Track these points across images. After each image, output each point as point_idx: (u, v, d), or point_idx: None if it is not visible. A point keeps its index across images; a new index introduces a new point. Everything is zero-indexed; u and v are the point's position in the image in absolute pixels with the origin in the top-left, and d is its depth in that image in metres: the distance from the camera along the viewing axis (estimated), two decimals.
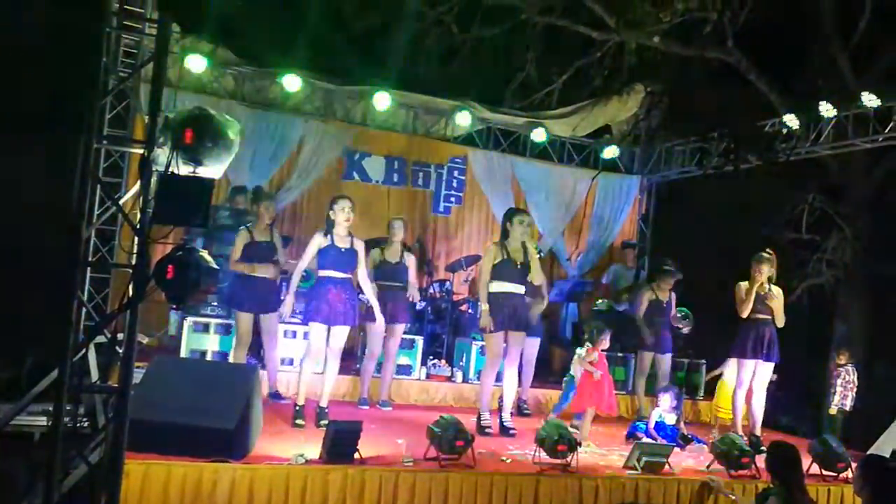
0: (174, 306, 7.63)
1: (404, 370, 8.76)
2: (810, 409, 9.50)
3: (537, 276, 7.26)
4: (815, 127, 9.24)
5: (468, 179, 10.93)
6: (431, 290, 9.54)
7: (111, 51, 5.43)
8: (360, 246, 6.82)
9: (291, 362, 8.05)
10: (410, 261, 7.91)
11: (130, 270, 4.59)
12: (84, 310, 5.36)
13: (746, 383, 7.57)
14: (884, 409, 7.79)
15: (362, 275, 6.95)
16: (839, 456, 6.53)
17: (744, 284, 7.46)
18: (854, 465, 6.51)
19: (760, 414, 7.55)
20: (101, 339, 5.61)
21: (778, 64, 10.76)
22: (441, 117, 10.58)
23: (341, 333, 6.68)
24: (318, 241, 6.70)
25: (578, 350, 7.56)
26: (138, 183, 4.75)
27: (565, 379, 7.69)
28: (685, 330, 8.90)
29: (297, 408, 6.62)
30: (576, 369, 7.51)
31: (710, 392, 9.18)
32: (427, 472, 5.41)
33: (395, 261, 7.80)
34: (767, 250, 7.62)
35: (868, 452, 7.24)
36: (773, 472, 4.33)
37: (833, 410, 8.74)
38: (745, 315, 7.38)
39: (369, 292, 7.14)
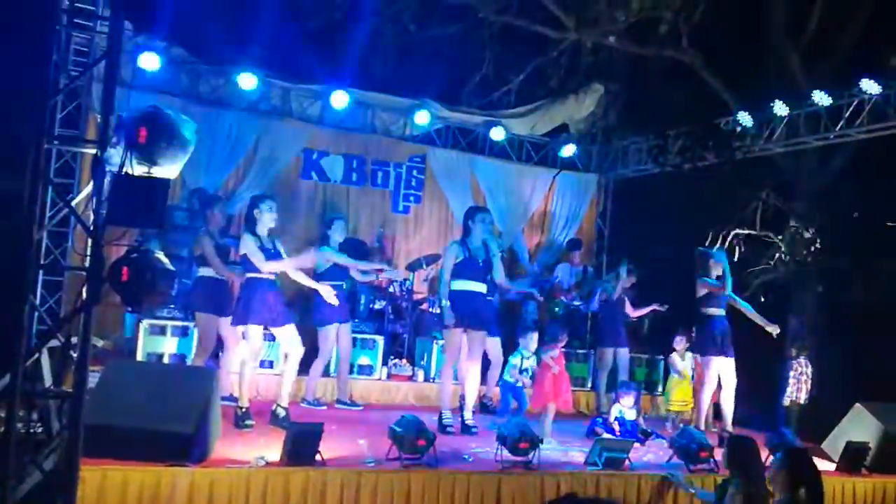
0: (130, 309, 7.53)
1: (365, 370, 8.74)
2: (766, 402, 9.63)
3: (499, 274, 7.28)
4: (768, 125, 9.39)
5: (427, 178, 10.91)
6: (392, 289, 9.50)
7: (62, 49, 5.32)
8: (279, 244, 6.85)
9: (272, 364, 7.93)
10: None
11: (84, 273, 4.50)
12: (36, 313, 5.24)
13: (714, 381, 7.68)
14: (837, 401, 7.94)
15: (289, 266, 6.90)
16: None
17: (706, 281, 7.62)
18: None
19: (731, 411, 7.67)
20: (54, 342, 5.49)
21: (732, 63, 10.89)
22: (399, 116, 10.55)
23: (292, 332, 6.66)
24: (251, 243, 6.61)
25: (511, 358, 7.75)
26: (91, 183, 4.66)
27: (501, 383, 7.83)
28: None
29: (243, 410, 6.56)
30: (513, 373, 7.68)
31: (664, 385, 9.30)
32: (389, 472, 5.40)
33: (340, 261, 7.79)
34: (720, 247, 7.80)
35: (823, 444, 7.41)
36: (733, 464, 4.38)
37: (787, 402, 8.89)
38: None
39: (307, 280, 7.17)
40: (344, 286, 7.97)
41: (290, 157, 10.00)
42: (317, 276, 7.62)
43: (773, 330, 7.67)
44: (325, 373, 8.24)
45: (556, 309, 9.83)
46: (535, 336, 7.71)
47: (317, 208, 10.15)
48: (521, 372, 7.72)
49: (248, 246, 6.56)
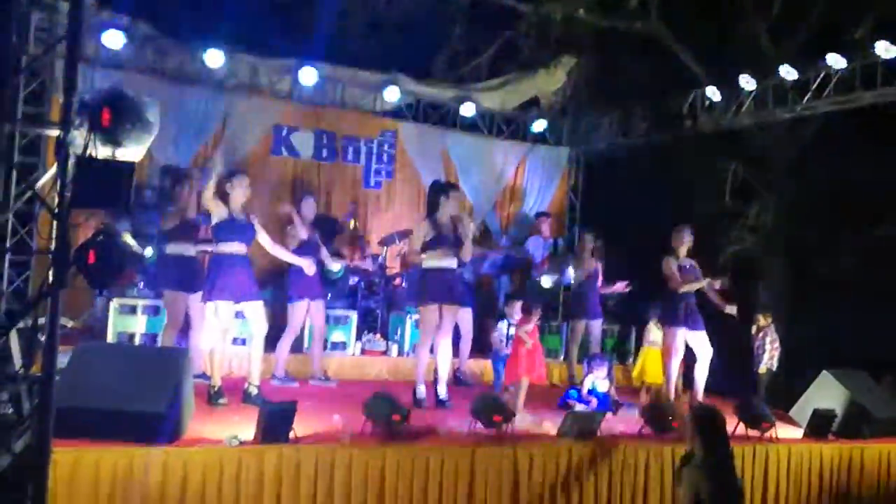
0: (97, 292, 7.48)
1: (339, 346, 8.76)
2: (735, 371, 9.78)
3: (467, 254, 7.30)
4: (736, 99, 9.44)
5: (398, 153, 10.87)
6: (365, 266, 9.50)
7: (23, 29, 5.22)
8: (254, 218, 6.82)
9: (244, 342, 7.92)
10: (318, 238, 7.98)
11: (50, 256, 4.46)
12: (3, 295, 5.20)
13: (680, 352, 7.75)
14: (805, 369, 8.08)
15: (267, 241, 6.94)
16: (764, 415, 6.78)
17: (671, 259, 7.64)
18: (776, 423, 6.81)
19: (703, 382, 7.76)
20: (23, 324, 5.45)
21: (701, 37, 10.93)
22: (369, 91, 10.47)
23: (259, 309, 6.66)
24: (219, 214, 6.59)
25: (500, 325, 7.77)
26: (56, 165, 4.60)
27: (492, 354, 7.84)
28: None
29: (216, 388, 6.56)
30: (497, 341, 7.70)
31: (637, 356, 9.39)
32: (363, 448, 5.43)
33: (312, 238, 7.80)
34: (688, 224, 7.84)
35: (790, 411, 7.55)
36: (698, 434, 4.43)
37: (763, 370, 9.01)
38: (681, 291, 7.55)
39: (286, 254, 7.26)
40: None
41: (260, 133, 9.91)
42: (291, 251, 7.66)
43: (731, 310, 7.76)
44: (298, 349, 8.26)
45: (546, 285, 9.79)
46: (519, 305, 7.74)
47: (287, 184, 10.09)
48: (507, 341, 7.73)
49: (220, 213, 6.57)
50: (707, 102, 9.76)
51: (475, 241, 8.00)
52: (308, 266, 7.37)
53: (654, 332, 8.55)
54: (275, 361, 7.76)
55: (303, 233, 7.64)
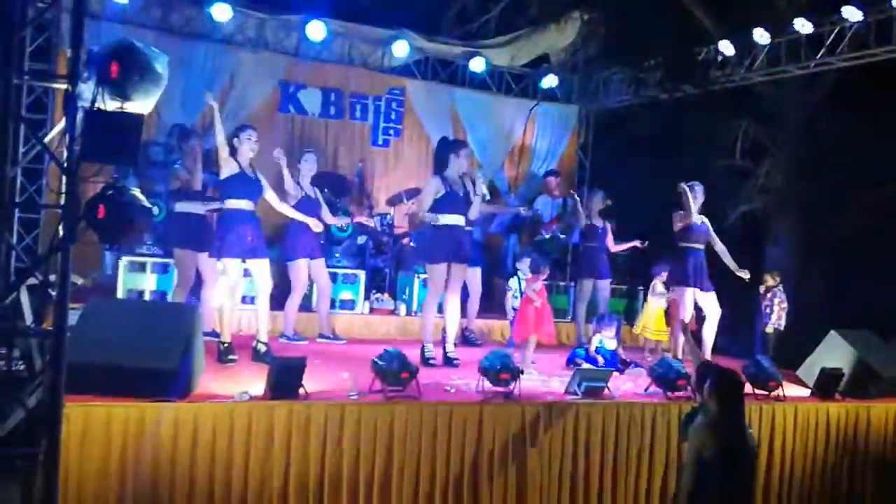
0: (107, 247, 7.49)
1: (347, 305, 8.79)
2: (743, 330, 9.78)
3: (475, 212, 7.28)
4: (749, 54, 9.32)
5: (407, 111, 10.79)
6: (370, 224, 9.46)
7: None
8: (261, 175, 6.81)
9: (253, 300, 7.91)
10: (319, 195, 7.95)
11: (60, 211, 4.45)
12: (14, 252, 5.20)
13: (687, 311, 7.76)
14: (813, 329, 8.07)
15: (274, 198, 6.95)
16: (771, 375, 6.79)
17: (679, 213, 7.68)
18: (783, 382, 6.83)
19: (711, 341, 7.79)
20: (33, 281, 5.46)
21: None
22: (378, 47, 10.35)
23: (264, 267, 6.66)
24: (230, 168, 6.58)
25: (511, 282, 7.80)
26: (64, 119, 4.57)
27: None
28: None
29: (226, 345, 6.58)
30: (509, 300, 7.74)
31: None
32: (372, 404, 5.47)
33: (312, 195, 7.76)
34: (697, 181, 7.83)
35: (798, 371, 7.56)
36: (716, 396, 4.42)
37: (770, 329, 9.02)
38: (690, 222, 7.56)
39: (292, 211, 7.30)
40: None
41: (267, 90, 9.83)
42: (291, 207, 7.65)
43: (744, 275, 7.77)
44: (307, 308, 8.27)
45: (551, 242, 9.77)
46: (528, 261, 7.78)
47: (295, 142, 10.03)
48: (520, 296, 7.74)
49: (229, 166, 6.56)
50: (720, 58, 9.63)
51: (489, 199, 7.98)
52: (314, 224, 7.36)
53: (659, 287, 8.57)
54: (283, 320, 7.79)
55: (290, 187, 7.56)
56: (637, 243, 9.16)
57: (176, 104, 8.92)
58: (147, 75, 4.44)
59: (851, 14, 8.06)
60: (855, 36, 8.26)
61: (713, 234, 7.89)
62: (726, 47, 9.39)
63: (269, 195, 6.88)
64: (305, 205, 7.60)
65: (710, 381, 4.44)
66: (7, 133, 4.38)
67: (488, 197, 8.12)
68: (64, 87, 4.47)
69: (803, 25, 8.49)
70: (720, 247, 7.82)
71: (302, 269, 7.71)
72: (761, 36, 8.92)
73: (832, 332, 7.60)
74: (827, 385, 7.05)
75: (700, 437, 4.37)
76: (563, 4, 10.97)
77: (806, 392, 7.17)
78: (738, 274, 7.74)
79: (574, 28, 10.95)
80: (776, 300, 9.01)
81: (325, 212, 7.98)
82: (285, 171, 7.48)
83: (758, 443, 5.26)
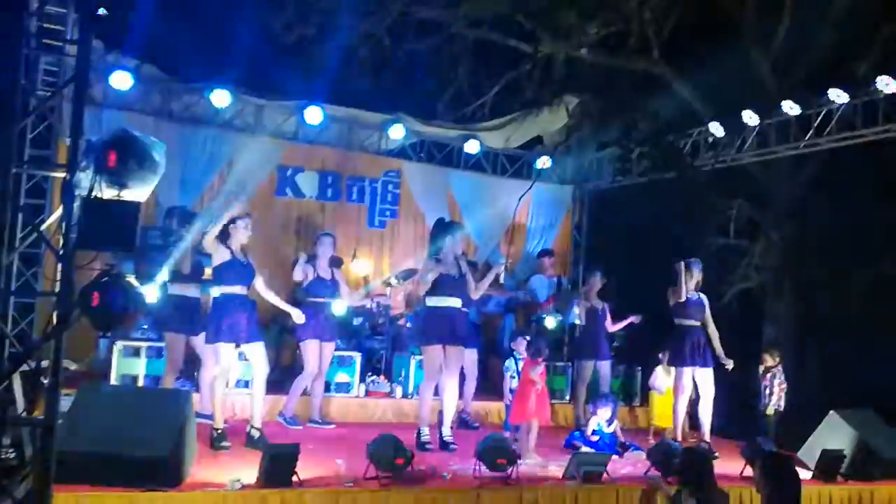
0: (101, 334, 7.47)
1: (342, 387, 8.70)
2: (742, 411, 9.68)
3: (477, 293, 7.32)
4: (739, 135, 9.47)
5: (403, 193, 10.90)
6: (368, 306, 9.46)
7: (31, 71, 5.26)
8: (252, 260, 6.89)
9: (247, 384, 7.86)
10: (339, 275, 7.94)
11: (55, 298, 4.45)
12: (7, 339, 5.17)
13: (688, 390, 7.72)
14: (812, 409, 8.00)
15: (261, 284, 7.00)
16: None
17: (671, 289, 7.73)
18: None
19: (709, 421, 7.72)
20: (26, 367, 5.43)
21: (702, 72, 10.96)
22: (374, 131, 10.53)
23: (260, 351, 6.64)
24: (221, 256, 6.62)
25: (507, 363, 7.76)
26: (61, 207, 4.61)
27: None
28: None
29: (218, 432, 6.50)
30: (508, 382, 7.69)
31: (646, 399, 9.34)
32: (367, 492, 5.38)
33: (327, 277, 7.78)
34: (695, 258, 7.90)
35: (799, 452, 7.45)
36: (686, 474, 4.49)
37: (770, 411, 8.92)
38: (681, 299, 7.55)
39: (277, 300, 7.30)
40: (330, 305, 7.91)
41: (265, 173, 9.96)
42: (304, 289, 7.74)
43: (728, 364, 7.82)
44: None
45: (550, 326, 9.72)
46: (524, 341, 7.76)
47: (292, 225, 10.11)
48: (517, 377, 7.70)
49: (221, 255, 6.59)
50: (710, 139, 9.79)
51: (494, 284, 8.04)
52: (297, 315, 7.35)
53: (660, 378, 8.54)
54: (280, 402, 7.71)
55: (299, 275, 7.72)
56: (633, 319, 9.13)
57: (175, 188, 9.03)
58: (144, 164, 4.50)
59: (838, 96, 8.22)
60: (842, 117, 8.41)
61: (708, 313, 7.90)
62: (716, 129, 9.55)
63: (258, 282, 6.93)
64: (317, 287, 7.64)
65: (678, 463, 4.52)
66: (5, 221, 4.41)
67: (502, 280, 8.17)
68: (62, 175, 4.52)
69: (791, 108, 8.65)
70: (712, 328, 7.88)
71: (313, 350, 7.68)
72: (750, 118, 9.08)
73: (832, 412, 7.52)
74: (829, 467, 6.95)
75: None
76: (555, 88, 11.20)
77: (807, 474, 7.05)
78: (723, 362, 7.79)
79: (566, 111, 11.16)
80: (776, 381, 8.92)
81: (345, 293, 8.01)
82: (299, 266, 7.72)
83: None
